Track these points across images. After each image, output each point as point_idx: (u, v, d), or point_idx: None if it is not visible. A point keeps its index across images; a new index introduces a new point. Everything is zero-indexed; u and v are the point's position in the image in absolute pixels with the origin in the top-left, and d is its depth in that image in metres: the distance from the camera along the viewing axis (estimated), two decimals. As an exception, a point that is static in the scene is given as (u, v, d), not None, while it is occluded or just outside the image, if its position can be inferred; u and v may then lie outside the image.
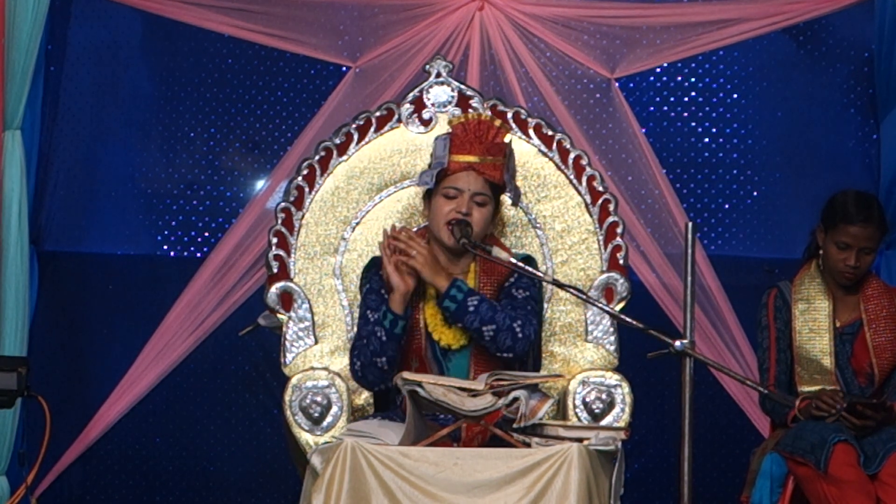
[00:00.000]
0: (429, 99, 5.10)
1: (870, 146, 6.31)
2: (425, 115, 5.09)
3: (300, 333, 4.95)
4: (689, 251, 4.15)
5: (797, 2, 6.04)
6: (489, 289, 4.74)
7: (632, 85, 6.31)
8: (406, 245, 4.66)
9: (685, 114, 6.40)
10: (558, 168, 5.07)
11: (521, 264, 4.58)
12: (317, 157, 5.04)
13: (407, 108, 5.09)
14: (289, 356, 4.94)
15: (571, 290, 4.58)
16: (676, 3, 6.18)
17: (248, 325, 5.59)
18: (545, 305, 4.99)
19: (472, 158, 4.72)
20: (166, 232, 6.31)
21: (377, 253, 4.82)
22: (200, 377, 6.28)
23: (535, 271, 4.57)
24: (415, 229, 4.99)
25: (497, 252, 4.61)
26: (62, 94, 6.15)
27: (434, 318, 4.71)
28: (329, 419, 4.81)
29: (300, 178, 5.01)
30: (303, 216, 5.00)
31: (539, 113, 5.61)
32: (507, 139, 4.78)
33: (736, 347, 5.99)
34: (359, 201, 5.04)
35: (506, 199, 4.82)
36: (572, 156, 5.08)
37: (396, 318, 4.63)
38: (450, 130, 4.78)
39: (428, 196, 4.79)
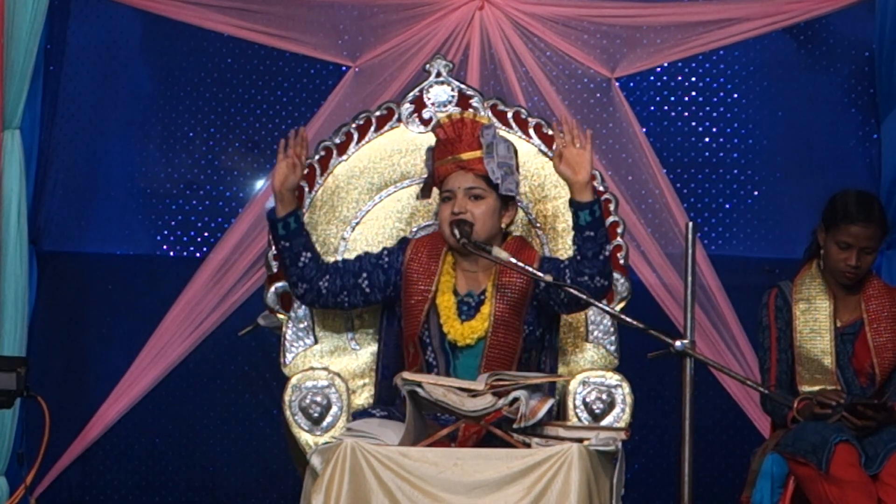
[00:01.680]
0: (429, 98, 5.10)
1: (870, 146, 6.31)
2: (425, 115, 5.08)
3: (300, 333, 4.95)
4: (690, 251, 4.15)
5: (797, 2, 6.04)
6: (510, 290, 4.70)
7: (632, 85, 6.30)
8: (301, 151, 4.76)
9: (685, 114, 6.39)
10: (558, 168, 5.06)
11: (520, 264, 4.57)
12: (317, 157, 5.04)
13: (407, 107, 5.09)
14: (288, 356, 4.94)
15: (571, 290, 4.57)
16: (676, 3, 6.18)
17: (248, 326, 5.58)
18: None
19: (457, 157, 4.72)
20: (166, 232, 6.31)
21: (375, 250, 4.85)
22: (200, 377, 6.28)
23: (535, 272, 4.56)
24: (415, 228, 4.99)
25: (497, 252, 4.60)
26: (62, 93, 6.15)
27: (448, 311, 4.69)
28: (329, 419, 4.80)
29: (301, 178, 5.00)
30: (303, 216, 4.99)
31: (539, 113, 5.60)
32: (485, 127, 4.73)
33: (736, 347, 5.99)
34: (359, 201, 5.03)
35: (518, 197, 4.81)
36: (572, 156, 5.07)
37: (274, 222, 4.73)
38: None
39: None
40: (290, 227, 4.72)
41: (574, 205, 4.62)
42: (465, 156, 4.72)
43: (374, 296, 4.78)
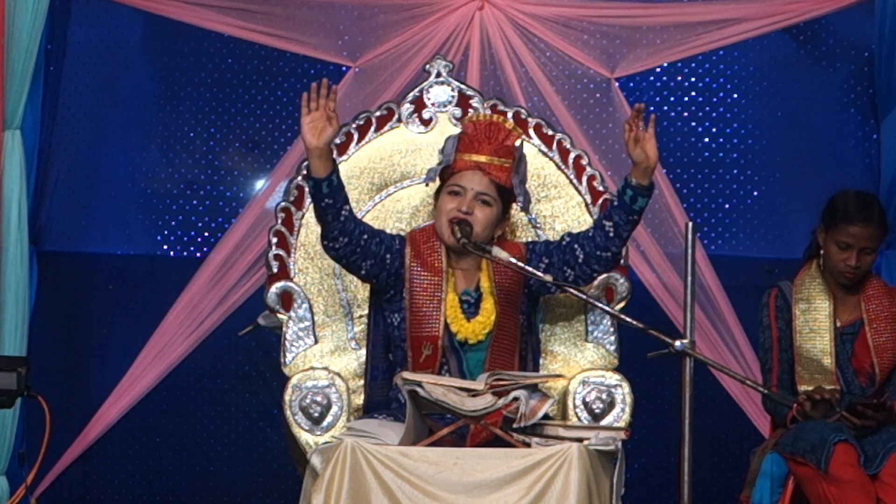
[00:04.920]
0: (429, 99, 5.10)
1: (870, 146, 6.31)
2: (425, 115, 5.08)
3: (300, 333, 4.95)
4: (689, 251, 4.15)
5: (797, 2, 6.04)
6: (506, 283, 4.73)
7: (632, 85, 6.31)
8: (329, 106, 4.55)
9: (685, 114, 6.40)
10: (558, 168, 5.07)
11: (521, 264, 4.58)
12: (317, 157, 5.04)
13: (407, 107, 5.09)
14: (289, 356, 4.94)
15: (571, 291, 4.58)
16: (676, 3, 6.18)
17: (248, 325, 5.58)
18: (543, 306, 5.00)
19: (479, 158, 4.72)
20: (166, 232, 6.31)
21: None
22: (200, 377, 6.28)
23: (535, 271, 4.56)
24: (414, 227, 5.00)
25: (497, 252, 4.60)
26: (62, 93, 6.15)
27: (454, 311, 4.69)
28: (329, 419, 4.80)
29: (300, 178, 5.00)
30: (303, 216, 4.99)
31: (539, 113, 5.61)
32: (517, 143, 4.76)
33: (736, 347, 5.99)
34: (359, 201, 5.03)
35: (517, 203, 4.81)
36: (572, 156, 5.08)
37: (318, 182, 4.54)
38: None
39: (438, 193, 4.78)
40: (333, 185, 4.57)
41: (634, 188, 4.66)
42: (487, 160, 4.72)
43: (383, 276, 4.73)
